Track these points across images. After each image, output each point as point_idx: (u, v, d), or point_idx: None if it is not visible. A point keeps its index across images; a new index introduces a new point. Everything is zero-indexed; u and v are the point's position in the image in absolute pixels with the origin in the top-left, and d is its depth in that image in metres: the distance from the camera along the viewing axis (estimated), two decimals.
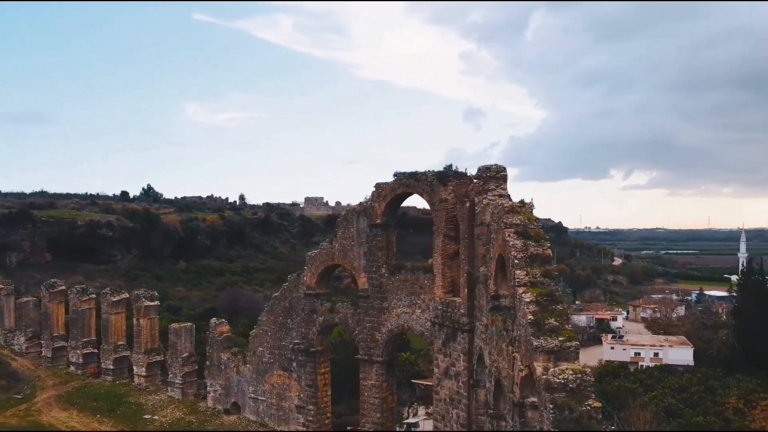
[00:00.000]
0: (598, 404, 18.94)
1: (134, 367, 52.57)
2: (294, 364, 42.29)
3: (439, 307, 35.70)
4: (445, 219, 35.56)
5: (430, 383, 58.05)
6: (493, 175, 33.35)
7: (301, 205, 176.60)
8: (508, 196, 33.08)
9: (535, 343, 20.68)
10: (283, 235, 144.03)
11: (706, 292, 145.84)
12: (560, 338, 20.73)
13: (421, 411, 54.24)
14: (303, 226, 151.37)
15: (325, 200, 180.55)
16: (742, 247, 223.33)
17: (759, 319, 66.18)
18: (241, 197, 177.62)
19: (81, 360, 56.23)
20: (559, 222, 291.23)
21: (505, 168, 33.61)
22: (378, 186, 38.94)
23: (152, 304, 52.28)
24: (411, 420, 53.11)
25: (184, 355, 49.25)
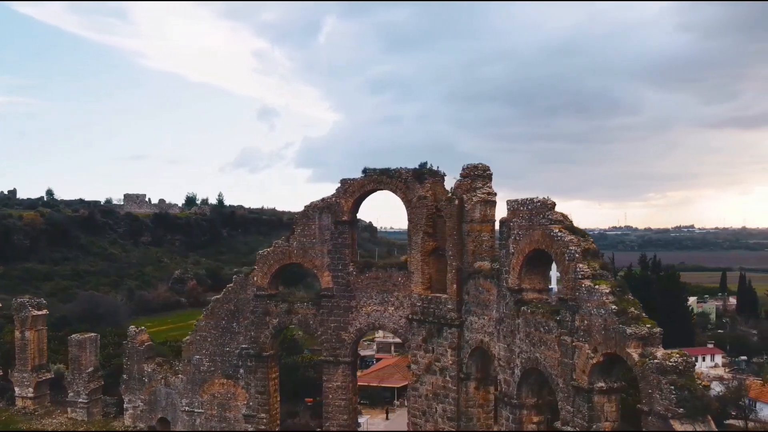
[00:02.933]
0: (707, 383, 20.86)
1: (17, 389, 44.95)
2: (241, 371, 39.43)
3: (418, 304, 35.83)
4: (425, 216, 35.79)
5: (364, 383, 57.50)
6: (480, 174, 34.41)
7: (121, 203, 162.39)
8: (495, 194, 34.47)
9: (628, 331, 22.06)
10: (109, 235, 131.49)
11: None
12: (647, 325, 22.37)
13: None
14: (130, 225, 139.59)
15: (147, 198, 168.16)
16: None
17: None
18: (49, 192, 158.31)
19: None
20: (370, 222, 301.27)
21: (489, 167, 34.84)
22: (344, 182, 37.97)
23: (40, 313, 45.18)
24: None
25: (90, 370, 43.31)
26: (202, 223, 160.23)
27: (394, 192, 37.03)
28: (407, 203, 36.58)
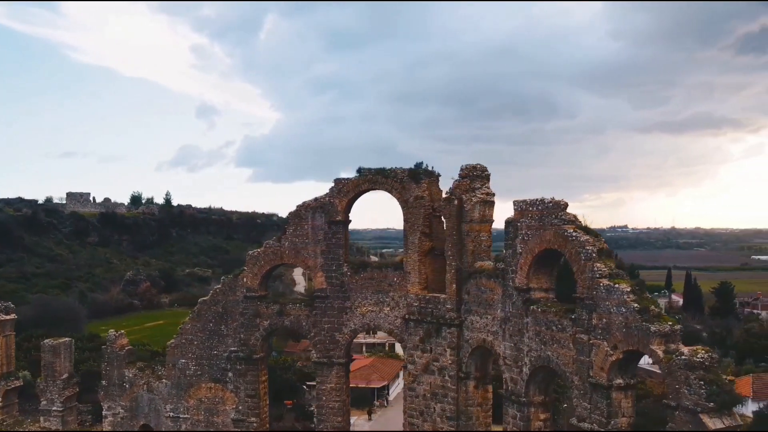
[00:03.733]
0: (731, 377, 21.66)
1: None
2: (230, 374, 38.48)
3: (415, 304, 35.83)
4: (423, 216, 35.81)
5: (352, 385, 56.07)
6: (479, 175, 34.70)
7: (63, 202, 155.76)
8: (494, 194, 34.81)
9: (652, 329, 22.68)
10: (54, 235, 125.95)
11: None
12: (669, 323, 23.05)
13: None
14: (76, 225, 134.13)
15: (92, 196, 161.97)
16: None
17: None
18: None
19: None
20: None
21: (486, 168, 35.15)
22: (338, 181, 37.58)
23: (8, 317, 42.84)
24: None
25: (64, 377, 41.39)
26: (150, 223, 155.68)
27: (389, 192, 36.88)
28: (403, 203, 36.50)
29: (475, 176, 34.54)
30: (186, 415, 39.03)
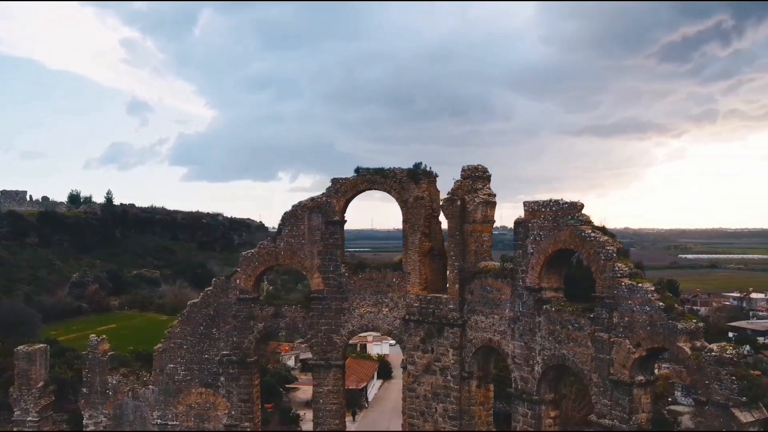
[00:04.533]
0: (758, 372, 22.58)
1: None
2: (222, 379, 37.42)
3: (416, 304, 35.77)
4: (423, 216, 35.80)
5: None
6: (480, 175, 34.98)
7: None
8: (495, 195, 35.16)
9: (679, 326, 23.41)
10: None
11: None
12: (693, 320, 23.86)
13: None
14: (14, 225, 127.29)
15: (28, 195, 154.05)
16: None
17: None
18: None
19: None
20: (261, 222, 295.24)
21: (487, 169, 35.46)
22: (336, 181, 37.11)
23: None
24: None
25: (40, 385, 39.24)
26: (93, 222, 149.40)
27: (388, 192, 36.70)
28: (402, 203, 36.38)
29: (476, 177, 34.80)
30: (175, 422, 37.72)
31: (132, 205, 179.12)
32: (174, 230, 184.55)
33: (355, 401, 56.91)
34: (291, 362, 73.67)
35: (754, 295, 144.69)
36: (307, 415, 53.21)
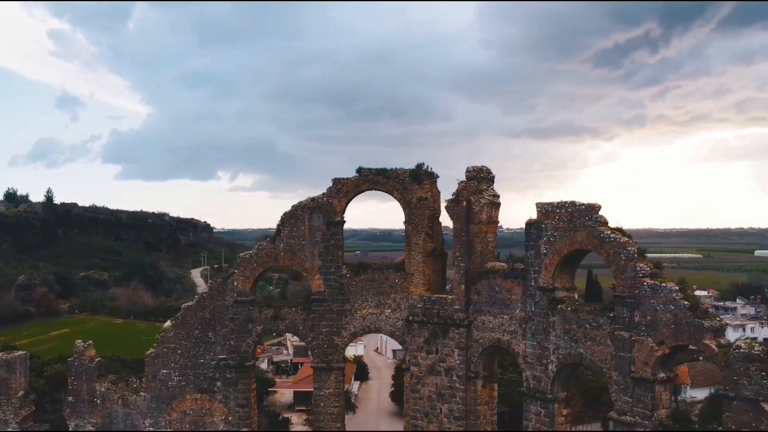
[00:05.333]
0: None
1: None
2: (218, 384, 36.37)
3: (419, 305, 35.70)
4: (427, 217, 35.76)
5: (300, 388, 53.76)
6: (485, 177, 35.22)
7: None
8: (499, 196, 35.45)
9: (706, 324, 24.19)
10: None
11: None
12: (717, 318, 24.69)
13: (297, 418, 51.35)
14: None
15: None
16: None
17: None
18: None
19: None
20: (206, 222, 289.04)
21: (491, 170, 35.70)
22: (337, 181, 36.67)
23: None
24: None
25: (20, 394, 37.18)
26: (34, 222, 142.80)
27: (390, 192, 36.54)
28: (405, 204, 36.28)
29: (481, 178, 35.02)
30: (168, 430, 36.42)
31: (75, 205, 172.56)
32: (118, 230, 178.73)
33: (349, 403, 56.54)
34: (264, 365, 72.36)
35: (698, 293, 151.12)
36: (293, 419, 52.51)
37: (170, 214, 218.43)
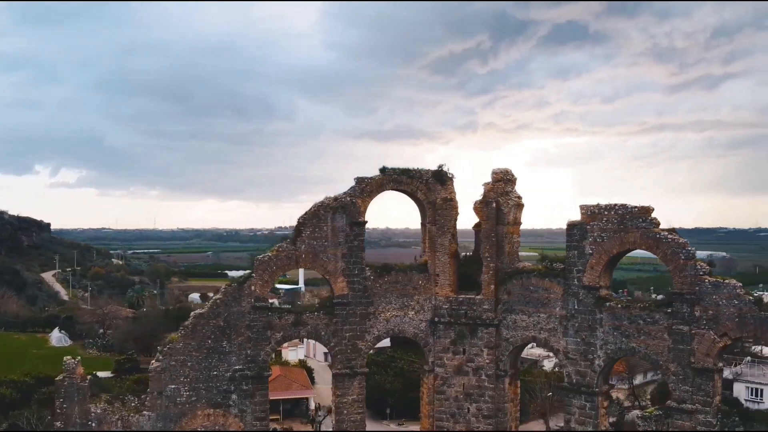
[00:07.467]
0: None
1: None
2: (234, 397, 33.60)
3: (445, 306, 35.64)
4: (453, 218, 35.78)
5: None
6: (510, 179, 36.04)
7: None
8: (521, 197, 36.41)
9: None
10: None
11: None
12: None
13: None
14: None
15: None
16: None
17: None
18: None
19: None
20: (46, 222, 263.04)
21: (513, 173, 36.48)
22: (360, 180, 35.51)
23: None
24: None
25: None
26: None
27: (414, 192, 36.20)
28: (429, 205, 36.11)
29: (507, 180, 35.78)
30: None
31: None
32: None
33: (294, 411, 54.32)
34: None
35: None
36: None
37: (9, 212, 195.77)
